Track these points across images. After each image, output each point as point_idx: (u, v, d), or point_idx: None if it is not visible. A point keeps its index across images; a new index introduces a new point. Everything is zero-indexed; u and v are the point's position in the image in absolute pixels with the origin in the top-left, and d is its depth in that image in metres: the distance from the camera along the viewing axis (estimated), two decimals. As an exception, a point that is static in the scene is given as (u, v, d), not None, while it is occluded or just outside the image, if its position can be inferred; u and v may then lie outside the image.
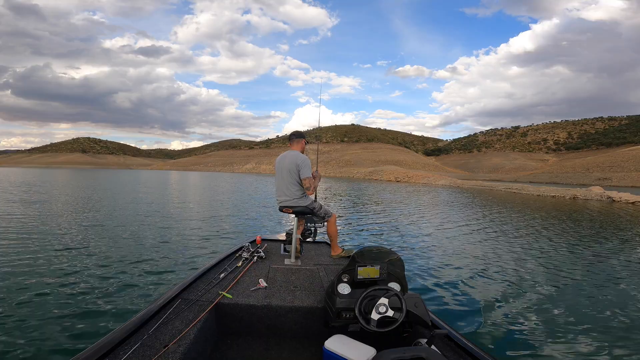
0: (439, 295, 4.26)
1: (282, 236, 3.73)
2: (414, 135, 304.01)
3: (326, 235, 3.48)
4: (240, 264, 2.88)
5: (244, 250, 3.21)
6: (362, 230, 9.05)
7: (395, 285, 2.08)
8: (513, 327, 3.44)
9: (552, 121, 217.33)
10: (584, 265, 5.88)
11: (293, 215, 3.24)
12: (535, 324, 3.53)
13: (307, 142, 3.42)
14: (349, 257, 3.21)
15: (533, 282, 4.87)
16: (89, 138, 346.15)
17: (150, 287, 4.16)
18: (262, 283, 2.50)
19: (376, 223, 10.26)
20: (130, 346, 1.61)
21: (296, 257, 3.11)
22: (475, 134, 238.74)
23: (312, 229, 3.71)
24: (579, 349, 3.06)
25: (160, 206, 13.34)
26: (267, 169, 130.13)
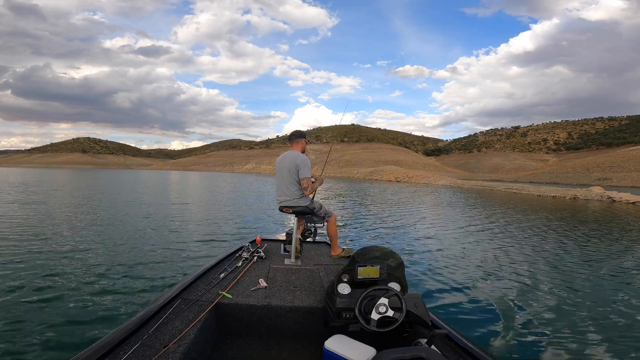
0: (439, 295, 4.26)
1: (282, 236, 3.73)
2: (414, 135, 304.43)
3: (326, 235, 3.48)
4: (240, 264, 2.88)
5: (244, 250, 3.21)
6: (362, 230, 9.05)
7: (395, 285, 2.08)
8: (513, 327, 3.44)
9: (552, 121, 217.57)
10: (585, 266, 5.87)
11: (293, 215, 3.24)
12: (535, 324, 3.53)
13: (308, 142, 3.41)
14: (349, 257, 3.21)
15: (533, 282, 4.87)
16: (89, 138, 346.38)
17: (150, 287, 4.16)
18: (262, 283, 2.50)
19: (376, 223, 10.26)
20: (130, 346, 1.61)
21: (296, 257, 3.11)
22: (475, 134, 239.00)
23: (312, 229, 3.71)
24: (579, 349, 3.06)
25: (160, 206, 13.35)
26: (267, 169, 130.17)
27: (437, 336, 1.56)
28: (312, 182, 3.16)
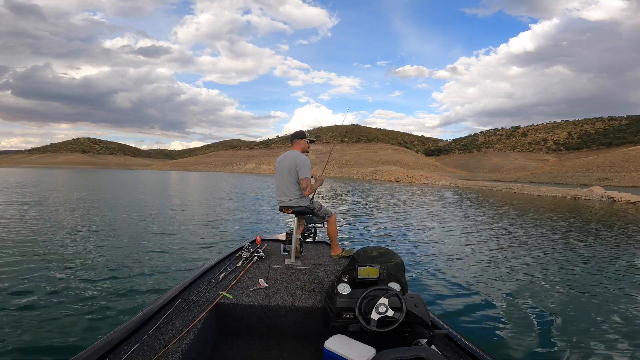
0: (439, 295, 4.26)
1: (282, 236, 3.73)
2: (414, 135, 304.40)
3: (326, 235, 3.48)
4: (240, 264, 2.88)
5: (244, 250, 3.21)
6: (362, 230, 9.05)
7: (395, 285, 2.08)
8: (513, 327, 3.44)
9: (552, 121, 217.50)
10: (586, 266, 5.87)
11: (293, 215, 3.24)
12: (535, 324, 3.52)
13: (309, 141, 3.40)
14: (349, 257, 3.21)
15: (534, 282, 4.87)
16: (89, 138, 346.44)
17: (150, 287, 4.16)
18: (262, 283, 2.50)
19: (376, 223, 10.25)
20: (130, 346, 1.61)
21: (296, 257, 3.11)
22: (475, 134, 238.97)
23: (312, 229, 3.71)
24: (580, 349, 3.06)
25: (159, 206, 13.34)
26: (267, 169, 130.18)
27: (437, 336, 1.56)
28: (312, 183, 3.16)
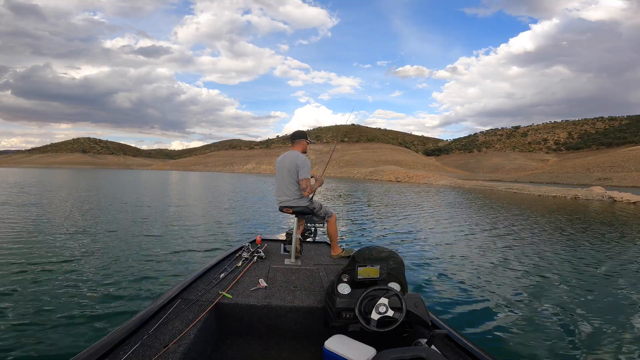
0: (439, 295, 4.26)
1: (282, 236, 3.73)
2: (414, 135, 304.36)
3: (326, 235, 3.48)
4: (240, 264, 2.88)
5: (244, 250, 3.21)
6: (362, 230, 9.05)
7: (395, 285, 2.08)
8: (513, 327, 3.44)
9: (552, 121, 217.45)
10: (588, 267, 5.87)
11: (293, 215, 3.24)
12: (535, 324, 3.52)
13: (309, 142, 3.41)
14: (349, 257, 3.21)
15: (534, 282, 4.87)
16: (89, 138, 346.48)
17: (150, 287, 4.16)
18: (262, 283, 2.50)
19: (376, 223, 10.26)
20: (130, 346, 1.61)
21: (296, 257, 3.11)
22: (475, 134, 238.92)
23: (312, 229, 3.71)
24: (580, 349, 3.06)
25: (159, 207, 13.35)
26: (267, 169, 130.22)
27: (437, 336, 1.56)
28: (312, 183, 3.16)
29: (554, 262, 6.07)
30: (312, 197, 3.39)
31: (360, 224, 10.08)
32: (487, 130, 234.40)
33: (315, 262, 3.15)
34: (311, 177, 3.16)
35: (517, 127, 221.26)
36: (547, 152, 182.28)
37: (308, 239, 3.71)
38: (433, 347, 1.54)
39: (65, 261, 5.13)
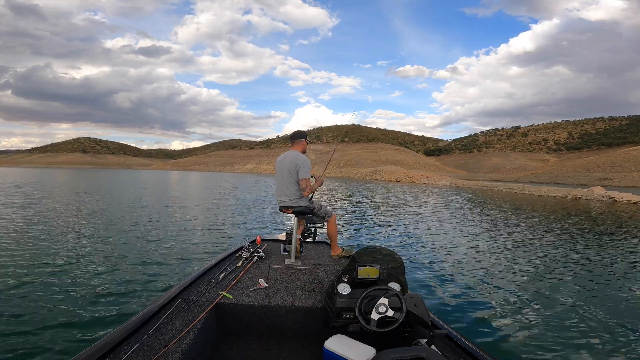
0: (439, 295, 4.26)
1: (282, 236, 3.73)
2: (414, 135, 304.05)
3: (326, 235, 3.48)
4: (240, 264, 2.88)
5: (244, 250, 3.21)
6: (363, 230, 9.05)
7: (395, 285, 2.08)
8: (513, 327, 3.44)
9: (552, 121, 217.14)
10: (588, 267, 5.86)
11: (293, 216, 3.24)
12: (536, 324, 3.52)
13: (309, 142, 3.41)
14: (349, 257, 3.21)
15: (535, 283, 4.87)
16: (89, 138, 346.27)
17: (150, 287, 4.16)
18: (262, 283, 2.50)
19: (376, 223, 10.25)
20: (130, 346, 1.61)
21: (296, 257, 3.11)
22: (475, 134, 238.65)
23: (312, 229, 3.71)
24: (580, 349, 3.06)
25: (159, 206, 13.35)
26: (267, 169, 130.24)
27: (437, 336, 1.56)
28: (312, 183, 3.16)
29: (555, 262, 6.06)
30: (312, 197, 3.39)
31: (360, 224, 10.07)
32: (487, 131, 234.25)
33: (315, 262, 3.15)
34: (311, 177, 3.16)
35: (517, 127, 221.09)
36: (547, 152, 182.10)
37: (308, 239, 3.71)
38: (433, 347, 1.54)
39: (65, 261, 5.13)
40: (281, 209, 3.22)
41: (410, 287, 2.24)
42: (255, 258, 3.05)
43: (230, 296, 2.23)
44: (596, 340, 3.21)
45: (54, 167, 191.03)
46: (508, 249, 7.08)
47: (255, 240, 3.58)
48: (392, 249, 2.22)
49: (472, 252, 6.64)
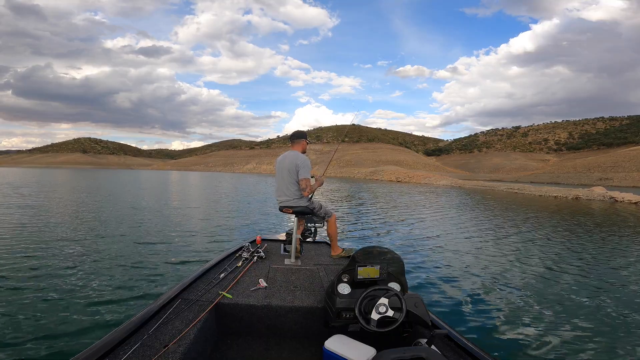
0: (439, 295, 4.26)
1: (282, 236, 3.73)
2: (414, 135, 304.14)
3: (326, 235, 3.48)
4: (240, 264, 2.88)
5: (244, 250, 3.21)
6: (363, 230, 9.04)
7: (395, 285, 2.08)
8: (513, 327, 3.43)
9: (553, 121, 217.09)
10: (589, 267, 5.86)
11: (293, 215, 3.24)
12: (536, 324, 3.52)
13: (309, 142, 3.41)
14: (349, 257, 3.21)
15: (535, 283, 4.86)
16: (89, 138, 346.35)
17: (150, 287, 4.16)
18: (262, 283, 2.50)
19: (376, 223, 10.25)
20: (130, 346, 1.61)
21: (296, 257, 3.11)
22: (476, 134, 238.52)
23: (312, 229, 3.71)
24: (580, 349, 3.06)
25: (159, 206, 13.36)
26: (267, 169, 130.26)
27: (437, 336, 1.56)
28: (312, 183, 3.16)
29: (556, 262, 6.06)
30: (312, 197, 3.39)
31: (360, 224, 10.07)
32: (488, 131, 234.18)
33: (315, 262, 3.15)
34: (311, 177, 3.16)
35: (518, 127, 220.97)
36: (547, 152, 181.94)
37: (308, 239, 3.71)
38: (433, 347, 1.54)
39: (65, 261, 5.13)
40: (281, 209, 3.22)
41: (410, 287, 2.24)
42: (255, 258, 3.05)
43: (230, 296, 2.23)
44: (597, 341, 3.21)
45: (54, 167, 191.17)
46: (508, 249, 7.08)
47: (255, 240, 3.58)
48: (392, 249, 2.22)
49: (472, 252, 6.64)
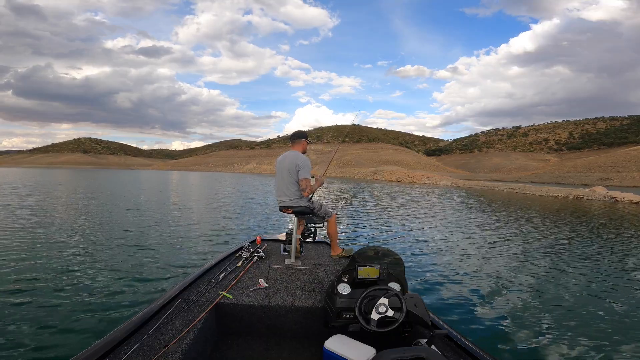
0: (439, 295, 4.25)
1: (282, 236, 3.73)
2: (414, 135, 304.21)
3: (326, 235, 3.47)
4: (240, 264, 2.88)
5: (244, 250, 3.21)
6: (363, 230, 9.04)
7: (395, 285, 2.08)
8: (513, 327, 3.43)
9: (553, 121, 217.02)
10: (590, 267, 5.84)
11: (293, 215, 3.24)
12: (536, 324, 3.52)
13: (309, 142, 3.41)
14: (349, 257, 3.20)
15: (535, 283, 4.86)
16: (90, 138, 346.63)
17: (150, 287, 4.16)
18: (262, 283, 2.50)
19: (376, 223, 10.24)
20: (130, 346, 1.61)
21: (296, 257, 3.11)
22: (476, 134, 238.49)
23: (312, 229, 3.71)
24: (580, 349, 3.05)
25: (159, 206, 13.36)
26: (267, 169, 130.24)
27: (437, 336, 1.56)
28: (312, 184, 3.16)
29: (557, 262, 6.05)
30: (312, 197, 3.39)
31: (360, 224, 10.07)
32: (488, 130, 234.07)
33: (315, 262, 3.14)
34: (311, 178, 3.16)
35: (518, 127, 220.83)
36: (548, 152, 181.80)
37: (308, 239, 3.71)
38: (433, 347, 1.54)
39: (65, 261, 5.13)
40: (281, 209, 3.22)
41: (410, 287, 2.23)
42: (255, 258, 3.05)
43: (230, 296, 2.23)
44: (598, 341, 3.20)
45: (55, 167, 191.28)
46: (509, 249, 7.07)
47: (255, 240, 3.58)
48: (392, 249, 2.22)
49: (472, 252, 6.63)
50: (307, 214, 3.29)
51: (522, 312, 3.81)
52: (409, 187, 37.28)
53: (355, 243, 7.38)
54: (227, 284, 2.43)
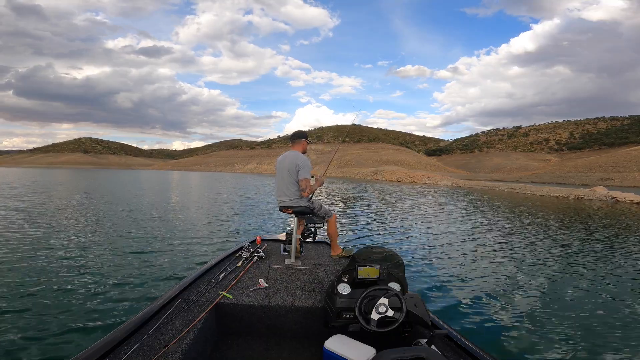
0: (439, 295, 4.25)
1: (282, 236, 3.73)
2: (415, 135, 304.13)
3: (326, 235, 3.47)
4: (240, 264, 2.88)
5: (244, 250, 3.21)
6: (362, 230, 9.04)
7: (395, 285, 2.08)
8: (513, 327, 3.43)
9: (554, 121, 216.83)
10: (590, 267, 5.84)
11: (293, 215, 3.24)
12: (536, 324, 3.51)
13: (309, 142, 3.41)
14: (349, 257, 3.20)
15: (535, 283, 4.85)
16: (90, 138, 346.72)
17: (150, 287, 4.17)
18: (262, 283, 2.50)
19: (377, 223, 10.24)
20: (130, 346, 1.61)
21: (296, 257, 3.11)
22: (477, 134, 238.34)
23: (312, 229, 3.71)
24: (580, 349, 3.05)
25: (159, 206, 13.37)
26: (268, 169, 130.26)
27: (437, 336, 1.56)
28: (312, 184, 3.16)
29: (557, 263, 6.05)
30: (312, 197, 3.39)
31: (360, 224, 10.06)
32: (489, 130, 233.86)
33: (315, 262, 3.14)
34: (311, 178, 3.16)
35: (519, 127, 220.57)
36: (548, 152, 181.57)
37: (308, 239, 3.71)
38: (433, 347, 1.54)
39: (65, 261, 5.14)
40: (281, 209, 3.22)
41: (410, 287, 2.23)
42: (255, 258, 3.05)
43: (230, 296, 2.23)
44: (599, 341, 3.20)
45: (55, 167, 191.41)
46: (509, 249, 7.06)
47: (255, 240, 3.58)
48: (392, 249, 2.22)
49: (472, 252, 6.63)
50: (307, 214, 3.29)
51: (523, 312, 3.81)
52: (409, 187, 37.26)
53: (356, 243, 7.38)
54: (227, 284, 2.43)
